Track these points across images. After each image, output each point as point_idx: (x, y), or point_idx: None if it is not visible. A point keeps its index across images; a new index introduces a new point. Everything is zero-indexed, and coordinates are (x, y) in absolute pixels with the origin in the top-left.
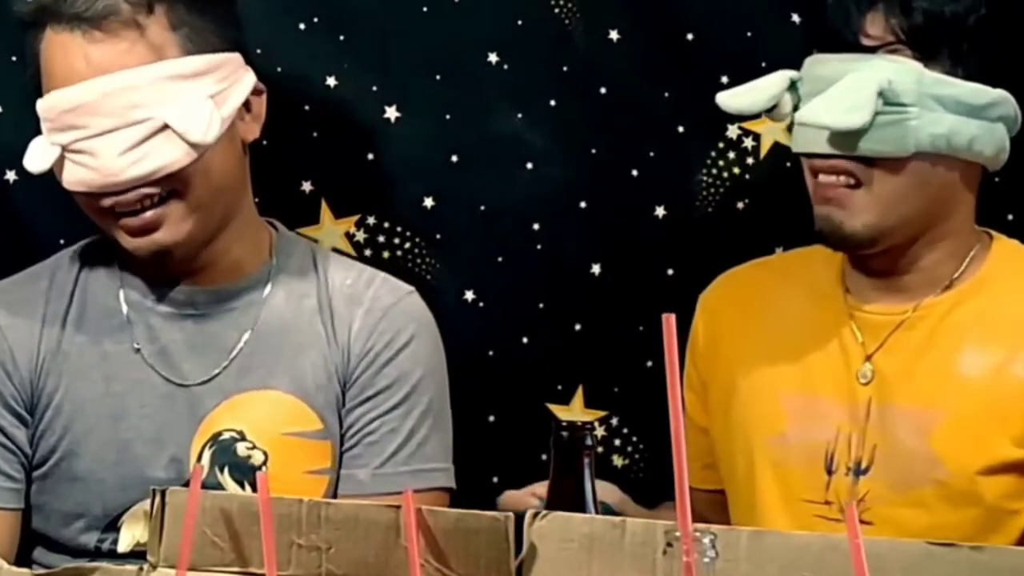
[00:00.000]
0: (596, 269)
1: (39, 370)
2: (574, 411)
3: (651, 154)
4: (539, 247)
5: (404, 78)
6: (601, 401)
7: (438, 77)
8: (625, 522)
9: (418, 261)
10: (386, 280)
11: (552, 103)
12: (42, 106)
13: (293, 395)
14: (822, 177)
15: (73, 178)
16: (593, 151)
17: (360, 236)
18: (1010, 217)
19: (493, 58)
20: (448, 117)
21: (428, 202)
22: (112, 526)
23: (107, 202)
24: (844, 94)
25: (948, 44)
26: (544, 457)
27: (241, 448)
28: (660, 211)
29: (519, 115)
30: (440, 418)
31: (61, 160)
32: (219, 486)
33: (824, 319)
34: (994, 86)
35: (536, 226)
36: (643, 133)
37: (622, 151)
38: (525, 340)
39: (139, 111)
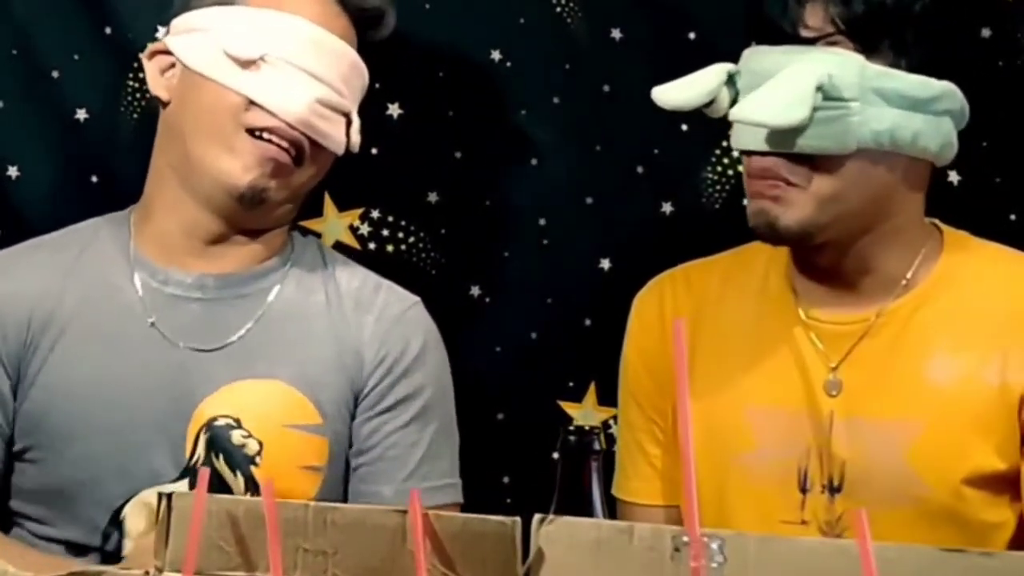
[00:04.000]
0: (605, 264)
1: (27, 345)
2: (587, 408)
3: (656, 151)
4: (545, 242)
5: (407, 75)
6: (615, 398)
7: (441, 74)
8: (633, 527)
9: (423, 256)
10: (391, 288)
11: (556, 100)
12: (287, 23)
13: (295, 387)
14: (758, 176)
15: (254, 85)
16: (598, 148)
17: (364, 229)
18: (1012, 217)
19: (496, 55)
20: (451, 114)
21: (432, 197)
22: (114, 520)
23: (266, 122)
24: (781, 89)
25: (890, 35)
26: (555, 456)
27: (236, 436)
28: (667, 207)
29: (523, 111)
30: (452, 432)
31: (252, 62)
32: (216, 474)
33: (776, 326)
34: (939, 78)
35: (542, 221)
36: (647, 130)
37: (627, 148)
38: (534, 336)
39: (338, 82)
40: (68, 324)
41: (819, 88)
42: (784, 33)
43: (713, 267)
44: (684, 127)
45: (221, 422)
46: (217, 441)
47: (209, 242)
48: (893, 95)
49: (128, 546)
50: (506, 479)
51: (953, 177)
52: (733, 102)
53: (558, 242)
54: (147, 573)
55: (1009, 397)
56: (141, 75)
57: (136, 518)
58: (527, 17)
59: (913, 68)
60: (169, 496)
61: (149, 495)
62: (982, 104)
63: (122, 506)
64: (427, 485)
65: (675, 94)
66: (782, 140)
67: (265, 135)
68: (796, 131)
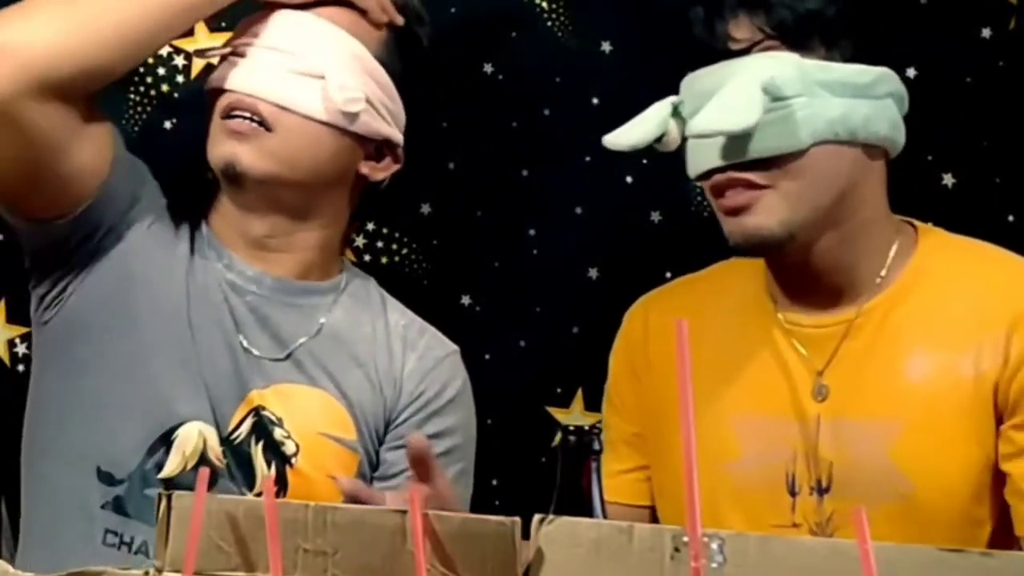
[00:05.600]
0: (593, 273)
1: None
2: (574, 413)
3: (644, 161)
4: (535, 252)
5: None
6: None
7: (434, 87)
8: (633, 527)
9: (415, 267)
10: (436, 334)
11: (546, 112)
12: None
13: (338, 401)
14: (728, 193)
15: (223, 74)
16: (587, 158)
17: (359, 242)
18: (1010, 218)
19: (488, 68)
20: (445, 125)
21: (425, 209)
22: (166, 438)
23: (228, 100)
24: (729, 98)
25: (818, 32)
26: (543, 460)
27: (278, 433)
28: (656, 216)
29: (514, 123)
30: (470, 480)
31: (224, 59)
32: (250, 457)
33: (758, 336)
34: (875, 64)
35: (532, 231)
36: None
37: (616, 158)
38: (522, 343)
39: (311, 51)
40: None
41: (764, 90)
42: (716, 51)
43: (696, 283)
44: None
45: (266, 413)
46: (262, 428)
47: (256, 246)
48: (836, 85)
49: (173, 463)
50: (495, 482)
51: (948, 180)
52: (683, 133)
53: (547, 252)
54: (147, 573)
55: (984, 387)
56: (143, 88)
57: (186, 439)
58: (519, 31)
59: (848, 59)
60: (169, 496)
61: (204, 426)
62: (982, 104)
63: (176, 428)
64: None
65: (625, 136)
66: (739, 150)
67: (233, 114)
68: (750, 138)
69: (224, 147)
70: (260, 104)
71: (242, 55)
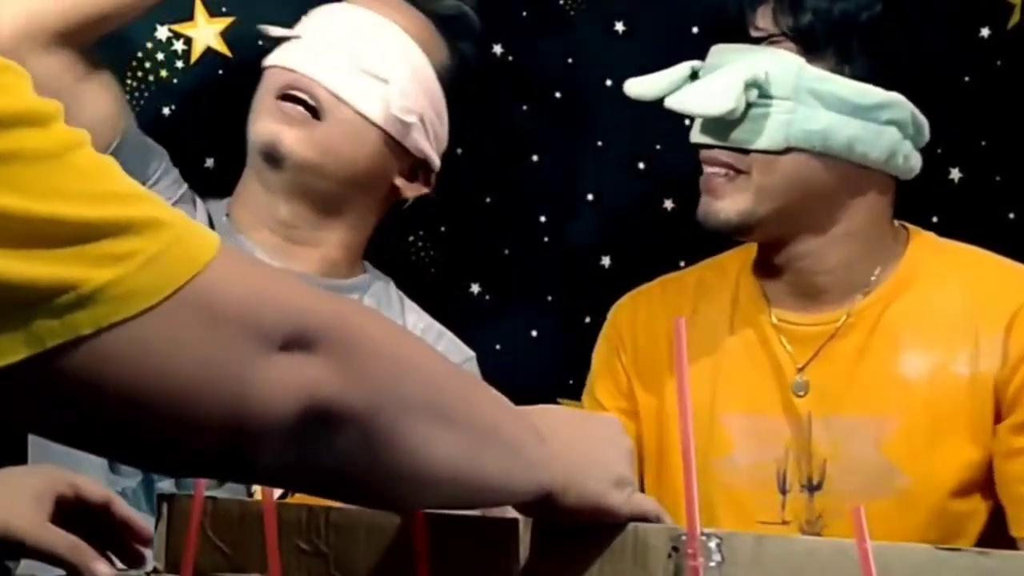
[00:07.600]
0: (606, 261)
1: None
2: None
3: (657, 147)
4: (546, 239)
5: None
6: None
7: None
8: (631, 525)
9: (423, 255)
10: (453, 339)
11: (558, 95)
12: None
13: None
14: (707, 168)
15: (286, 54)
16: (599, 143)
17: None
18: (1011, 216)
19: (497, 49)
20: (452, 109)
21: (432, 194)
22: None
23: (285, 78)
24: (713, 82)
25: (835, 41)
26: None
27: None
28: (669, 204)
29: (524, 107)
30: None
31: (287, 39)
32: None
33: (749, 332)
34: (889, 88)
35: (543, 218)
36: (649, 126)
37: (628, 144)
38: (534, 333)
39: (379, 53)
40: None
41: (753, 84)
42: (737, 33)
43: (687, 279)
44: (687, 122)
45: None
46: None
47: (280, 236)
48: (830, 98)
49: None
50: None
51: (955, 174)
52: None
53: (559, 239)
54: (148, 574)
55: (981, 385)
56: (140, 74)
57: None
58: (529, 10)
59: (858, 76)
60: (169, 497)
61: None
62: (982, 104)
63: None
64: None
65: (640, 86)
66: (720, 133)
67: (288, 93)
68: (733, 124)
69: (270, 126)
70: (319, 89)
71: (308, 41)
